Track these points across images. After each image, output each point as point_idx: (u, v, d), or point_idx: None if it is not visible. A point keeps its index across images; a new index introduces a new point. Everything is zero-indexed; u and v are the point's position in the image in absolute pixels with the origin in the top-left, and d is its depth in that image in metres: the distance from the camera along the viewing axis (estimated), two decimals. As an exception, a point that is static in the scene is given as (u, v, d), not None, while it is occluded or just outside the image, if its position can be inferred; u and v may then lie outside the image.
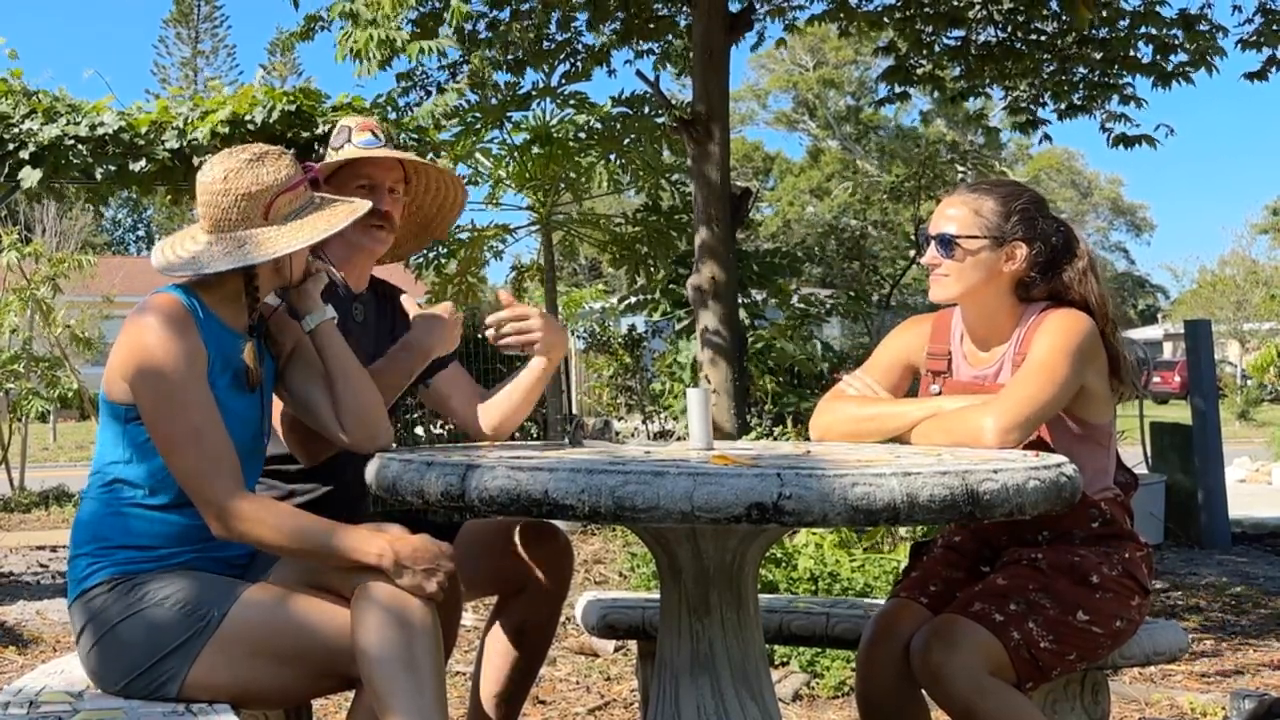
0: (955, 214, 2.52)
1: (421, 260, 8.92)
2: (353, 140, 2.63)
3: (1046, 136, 7.88)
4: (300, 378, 2.36)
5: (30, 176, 6.36)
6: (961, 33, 7.45)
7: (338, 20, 6.46)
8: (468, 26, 6.55)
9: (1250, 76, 6.97)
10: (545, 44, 7.44)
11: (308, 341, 2.35)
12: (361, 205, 2.37)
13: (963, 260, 2.49)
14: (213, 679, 2.10)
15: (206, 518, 2.11)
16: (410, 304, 2.82)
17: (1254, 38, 6.85)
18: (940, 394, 2.61)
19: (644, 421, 12.15)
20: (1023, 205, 2.53)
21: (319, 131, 6.44)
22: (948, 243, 2.50)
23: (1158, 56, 7.02)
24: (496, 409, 2.76)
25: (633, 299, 10.69)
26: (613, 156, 8.50)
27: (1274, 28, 6.77)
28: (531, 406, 2.81)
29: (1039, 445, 2.42)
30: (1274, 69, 6.95)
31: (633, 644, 3.53)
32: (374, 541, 2.08)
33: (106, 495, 2.21)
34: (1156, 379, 32.38)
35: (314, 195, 2.29)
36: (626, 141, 8.17)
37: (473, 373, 2.97)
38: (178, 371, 2.10)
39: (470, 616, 5.01)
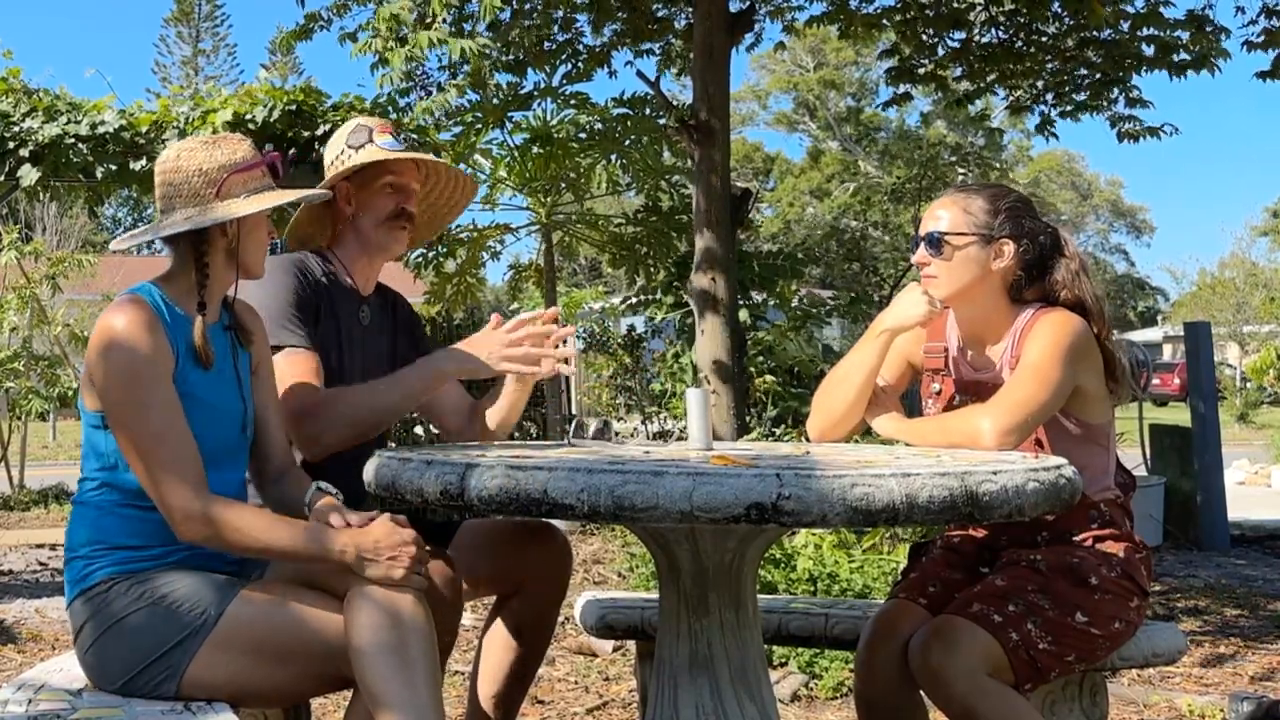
0: (943, 214, 2.56)
1: (420, 260, 8.92)
2: (375, 140, 2.64)
3: (1054, 135, 7.87)
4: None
5: (29, 174, 6.36)
6: (963, 34, 7.45)
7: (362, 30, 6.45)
8: (467, 26, 6.54)
9: (1262, 75, 6.94)
10: (547, 45, 7.43)
11: (267, 363, 2.38)
12: (319, 192, 2.44)
13: (951, 258, 2.51)
14: (210, 677, 2.10)
15: (169, 522, 2.11)
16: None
17: (1260, 38, 6.84)
18: (941, 393, 2.62)
19: (644, 422, 12.15)
20: (1009, 204, 2.56)
21: (320, 131, 6.44)
22: (936, 241, 2.52)
23: (1161, 57, 7.01)
24: (494, 415, 2.75)
25: (633, 299, 10.69)
26: (613, 157, 8.50)
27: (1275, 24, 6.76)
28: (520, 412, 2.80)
29: (1038, 446, 2.43)
30: None
31: (631, 644, 3.53)
32: (336, 539, 2.09)
33: (97, 497, 2.22)
34: (1156, 381, 32.35)
35: (271, 182, 2.29)
36: (627, 142, 8.17)
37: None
38: (140, 371, 2.10)
39: (469, 616, 5.01)
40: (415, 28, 5.72)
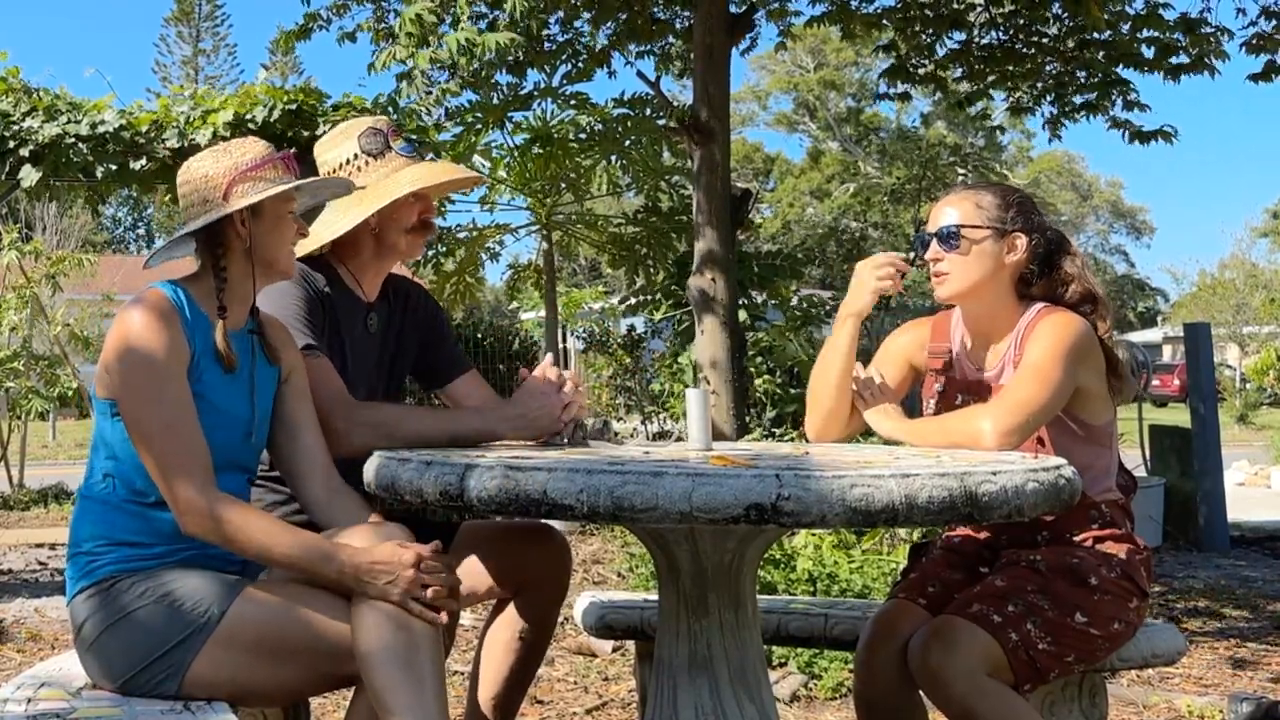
0: (955, 209, 2.55)
1: (419, 259, 8.90)
2: (393, 146, 2.62)
3: (1057, 136, 7.88)
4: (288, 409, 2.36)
5: (30, 175, 6.36)
6: (963, 35, 7.46)
7: (377, 41, 6.47)
8: (481, 25, 6.54)
9: (1254, 78, 6.96)
10: (547, 45, 7.44)
11: (302, 376, 2.36)
12: (333, 180, 2.45)
13: (967, 252, 2.51)
14: (213, 675, 2.10)
15: (174, 513, 2.11)
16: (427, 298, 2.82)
17: (1255, 40, 6.84)
18: (944, 392, 2.62)
19: (643, 422, 12.16)
20: (1019, 200, 2.58)
21: (320, 131, 6.44)
22: (951, 235, 2.52)
23: (1160, 59, 7.02)
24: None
25: (632, 300, 10.69)
26: (613, 158, 8.50)
27: (1275, 31, 6.77)
28: None
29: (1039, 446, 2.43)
30: (1276, 74, 6.94)
31: (631, 644, 3.53)
32: (332, 561, 2.07)
33: (103, 492, 2.22)
34: (1156, 382, 32.36)
35: (288, 177, 2.28)
36: (627, 143, 8.16)
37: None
38: (155, 364, 2.11)
39: (469, 616, 5.01)
40: (435, 30, 5.71)
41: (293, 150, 2.42)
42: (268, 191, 2.22)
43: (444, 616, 2.08)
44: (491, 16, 6.40)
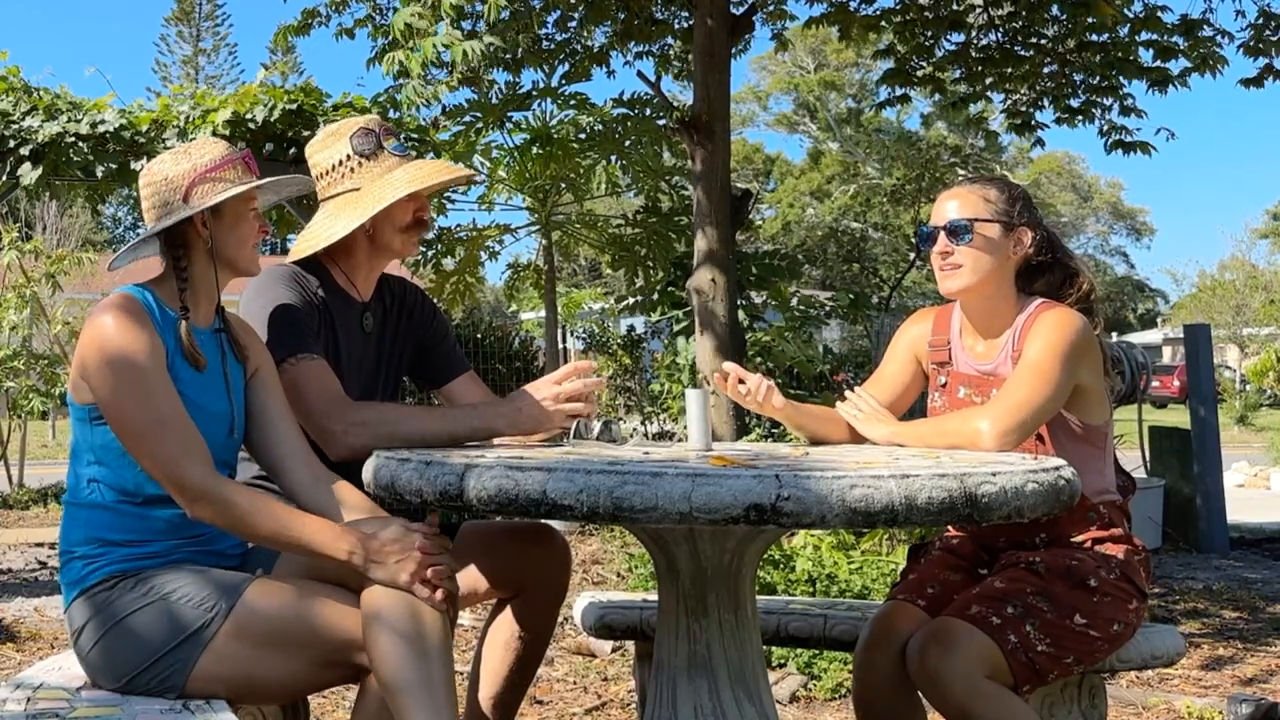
0: (963, 203, 2.55)
1: (419, 258, 8.90)
2: (384, 146, 2.61)
3: (1040, 141, 7.90)
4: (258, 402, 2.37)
5: (30, 175, 6.36)
6: (961, 37, 7.47)
7: (374, 37, 6.47)
8: (466, 26, 6.54)
9: (1246, 83, 6.96)
10: (545, 44, 7.44)
11: (270, 369, 2.36)
12: (294, 180, 2.45)
13: (979, 246, 2.51)
14: (219, 671, 2.10)
15: (180, 500, 2.11)
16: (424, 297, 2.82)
17: (1253, 43, 6.85)
18: (946, 386, 2.62)
19: (643, 422, 12.16)
20: (1021, 193, 2.60)
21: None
22: (961, 229, 2.52)
23: (1158, 61, 7.03)
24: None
25: (631, 300, 10.69)
26: (613, 158, 8.50)
27: (1270, 34, 6.77)
28: None
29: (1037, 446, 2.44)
30: (1271, 77, 6.95)
31: (630, 644, 3.53)
32: (345, 539, 2.09)
33: (92, 496, 2.21)
34: (1156, 383, 32.34)
35: (248, 178, 2.29)
36: (627, 143, 8.16)
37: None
38: (138, 360, 2.11)
39: (468, 617, 5.02)
40: (428, 33, 5.71)
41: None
42: (227, 192, 2.23)
43: (440, 594, 2.08)
44: (479, 11, 6.39)
